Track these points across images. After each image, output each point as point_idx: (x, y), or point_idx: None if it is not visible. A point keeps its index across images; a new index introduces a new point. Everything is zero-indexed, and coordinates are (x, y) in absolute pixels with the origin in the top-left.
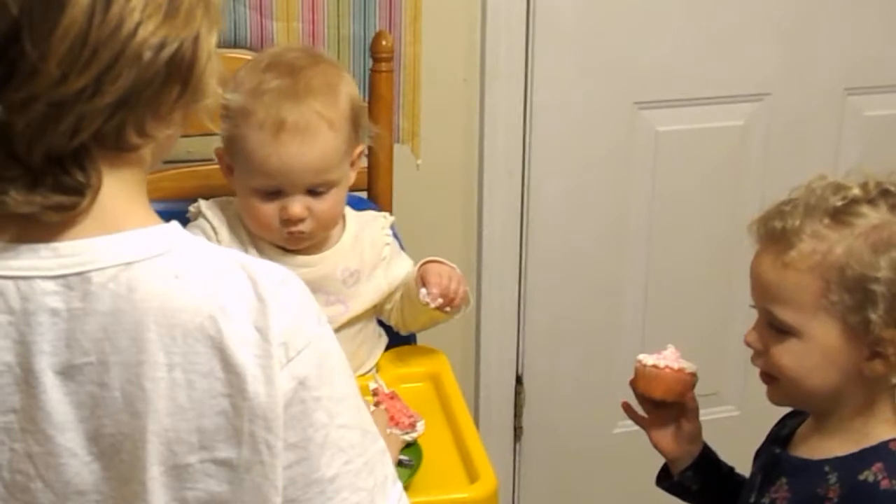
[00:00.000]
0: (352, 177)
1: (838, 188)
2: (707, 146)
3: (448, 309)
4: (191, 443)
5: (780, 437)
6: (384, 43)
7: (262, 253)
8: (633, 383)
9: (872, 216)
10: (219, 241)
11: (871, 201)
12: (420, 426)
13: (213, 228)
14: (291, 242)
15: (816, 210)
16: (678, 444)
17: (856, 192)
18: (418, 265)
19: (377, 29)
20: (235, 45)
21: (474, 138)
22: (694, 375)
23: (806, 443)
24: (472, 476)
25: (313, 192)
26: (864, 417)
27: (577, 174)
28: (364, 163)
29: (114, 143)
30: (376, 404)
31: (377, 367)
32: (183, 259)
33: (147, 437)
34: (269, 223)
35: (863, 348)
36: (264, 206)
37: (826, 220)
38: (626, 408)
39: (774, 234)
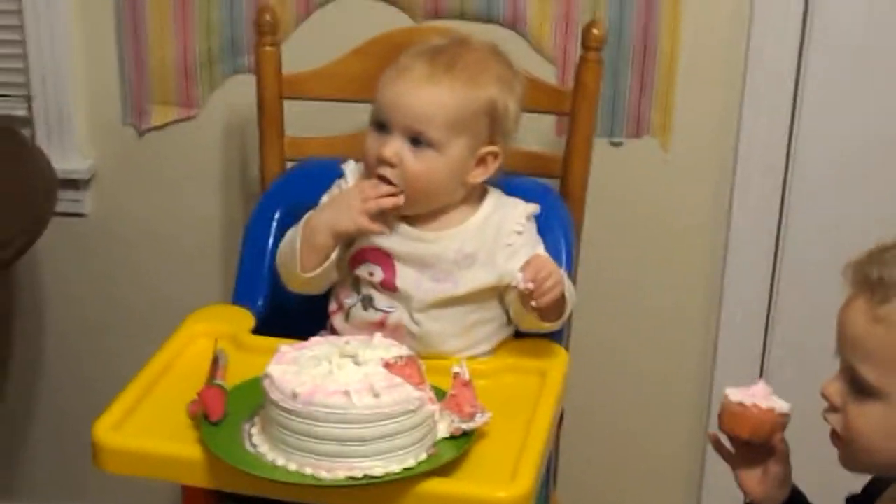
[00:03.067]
0: (473, 172)
1: None
2: None
3: (534, 304)
4: None
5: (871, 489)
6: (595, 32)
7: (386, 221)
8: (719, 418)
9: None
10: None
11: None
12: (479, 418)
13: None
14: None
15: None
16: (765, 487)
17: None
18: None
19: (634, 16)
20: (489, 20)
21: (730, 139)
22: (785, 416)
23: (883, 501)
24: (512, 477)
25: (416, 142)
26: None
27: (849, 192)
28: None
29: None
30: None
31: (492, 351)
32: None
33: None
34: (368, 155)
35: None
36: (371, 137)
37: None
38: (715, 440)
39: (870, 282)
